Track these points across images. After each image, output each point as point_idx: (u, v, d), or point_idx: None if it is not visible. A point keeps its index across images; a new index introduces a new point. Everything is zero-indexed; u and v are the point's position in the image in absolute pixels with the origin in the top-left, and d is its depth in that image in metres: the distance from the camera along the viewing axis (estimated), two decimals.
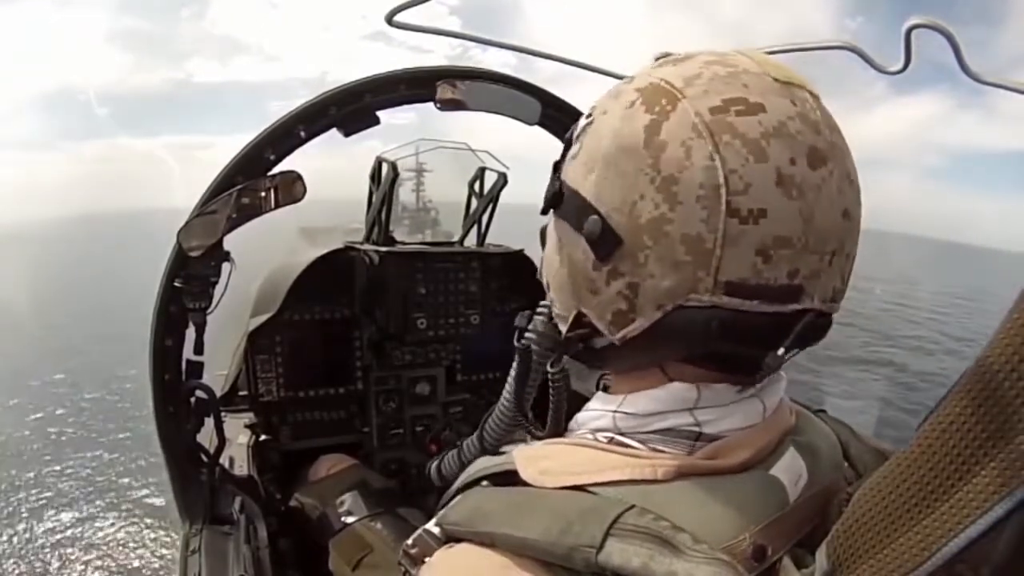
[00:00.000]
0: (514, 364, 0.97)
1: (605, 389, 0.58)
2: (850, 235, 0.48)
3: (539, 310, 0.66)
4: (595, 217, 0.48)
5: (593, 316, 0.51)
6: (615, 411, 0.53)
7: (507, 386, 1.03)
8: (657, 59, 0.54)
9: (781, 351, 0.47)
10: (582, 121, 0.54)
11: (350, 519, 1.44)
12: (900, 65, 0.93)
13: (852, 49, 1.03)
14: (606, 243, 0.48)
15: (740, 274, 0.44)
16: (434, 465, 1.39)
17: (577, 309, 0.53)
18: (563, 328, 0.56)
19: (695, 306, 0.45)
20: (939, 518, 0.38)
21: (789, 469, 0.52)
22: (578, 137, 0.53)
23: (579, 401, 0.62)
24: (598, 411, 0.56)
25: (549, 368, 0.64)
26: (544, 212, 0.56)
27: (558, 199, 0.53)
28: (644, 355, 0.52)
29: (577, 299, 0.53)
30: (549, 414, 0.79)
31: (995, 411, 0.36)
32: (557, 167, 0.56)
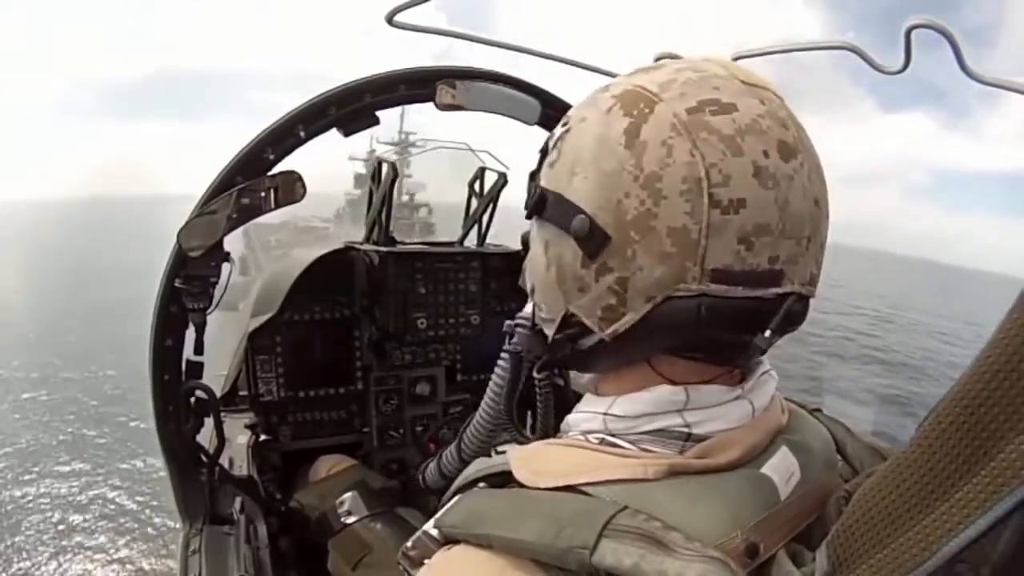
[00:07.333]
0: (495, 374, 0.97)
1: (595, 390, 0.59)
2: (821, 222, 0.51)
3: (518, 321, 0.66)
4: (582, 216, 0.50)
5: (583, 314, 0.53)
6: (605, 413, 0.54)
7: (486, 398, 1.04)
8: (657, 59, 0.56)
9: (768, 333, 0.48)
10: (558, 129, 0.56)
11: (350, 519, 1.44)
12: (900, 65, 0.93)
13: (852, 49, 1.03)
14: (594, 241, 0.50)
15: (725, 261, 0.47)
16: (420, 474, 1.38)
17: (566, 309, 0.54)
18: (549, 332, 0.57)
19: (683, 295, 0.48)
20: (939, 518, 0.39)
21: (780, 467, 0.53)
22: (555, 145, 0.55)
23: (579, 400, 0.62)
24: (588, 413, 0.57)
25: (536, 374, 0.65)
26: (528, 217, 0.58)
27: (541, 204, 0.55)
28: (633, 349, 0.53)
29: (566, 299, 0.54)
30: (537, 418, 0.79)
31: (995, 411, 0.36)
32: (534, 175, 0.58)
